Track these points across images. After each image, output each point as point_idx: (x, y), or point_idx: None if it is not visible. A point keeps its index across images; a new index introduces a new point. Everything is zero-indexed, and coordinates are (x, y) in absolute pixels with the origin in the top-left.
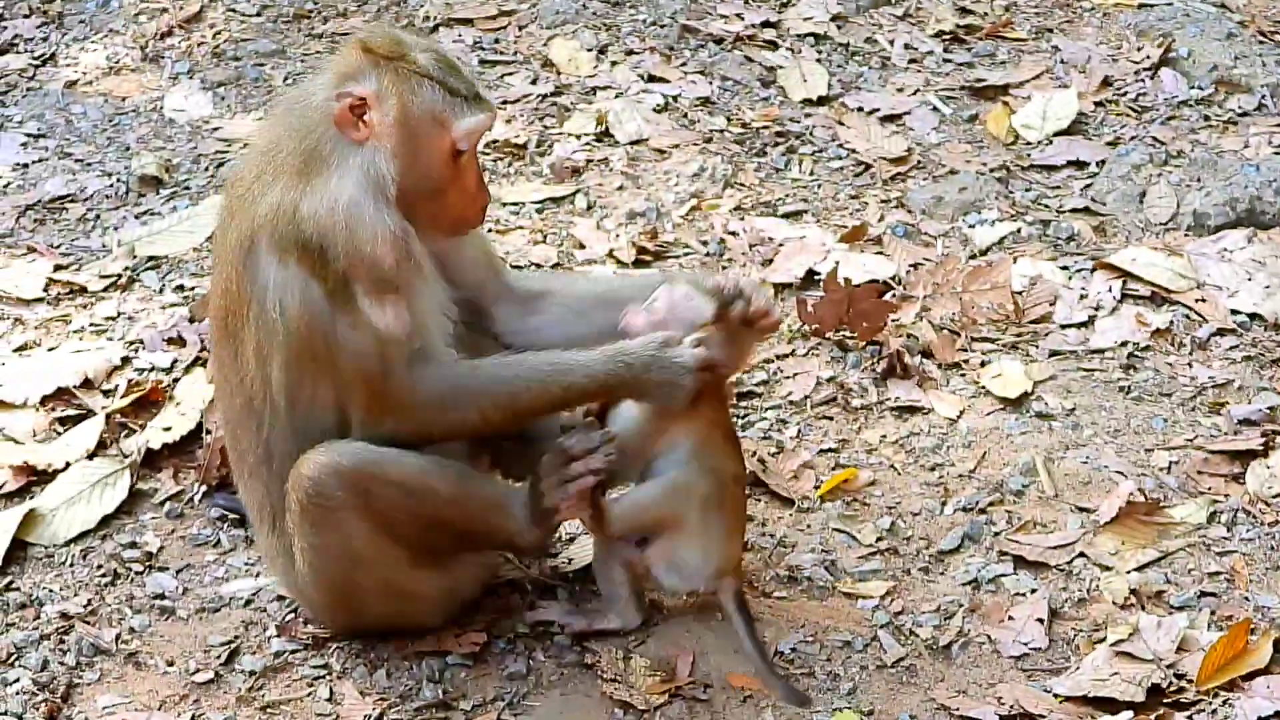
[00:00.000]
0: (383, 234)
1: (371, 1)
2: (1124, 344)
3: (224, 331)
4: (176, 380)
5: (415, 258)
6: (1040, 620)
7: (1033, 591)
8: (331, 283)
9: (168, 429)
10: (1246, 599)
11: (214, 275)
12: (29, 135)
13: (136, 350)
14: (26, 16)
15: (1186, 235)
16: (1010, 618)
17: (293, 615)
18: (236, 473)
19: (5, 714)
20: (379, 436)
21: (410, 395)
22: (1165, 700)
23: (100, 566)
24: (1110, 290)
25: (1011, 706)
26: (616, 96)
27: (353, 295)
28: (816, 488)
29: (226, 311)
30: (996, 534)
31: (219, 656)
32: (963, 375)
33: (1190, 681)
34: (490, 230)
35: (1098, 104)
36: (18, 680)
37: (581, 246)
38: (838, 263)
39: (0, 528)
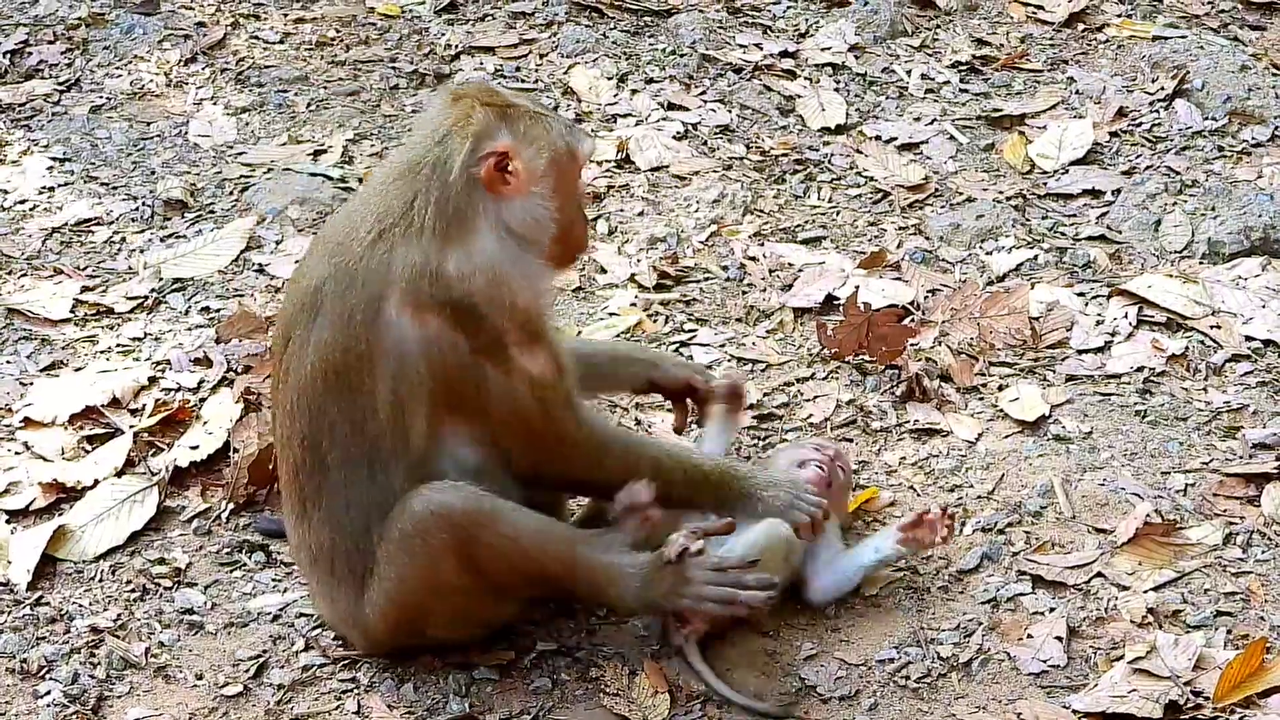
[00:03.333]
0: (534, 285)
1: (393, 30)
2: (1140, 369)
3: (338, 384)
4: (203, 400)
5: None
6: (1059, 638)
7: (1051, 610)
8: (482, 337)
9: (195, 448)
10: (1262, 618)
11: (306, 328)
12: (54, 159)
13: (163, 370)
14: (51, 43)
15: (1201, 263)
16: (1029, 635)
17: (320, 629)
18: (298, 510)
19: None
20: (527, 477)
21: (571, 433)
22: (1183, 717)
23: (129, 582)
24: (1126, 316)
25: None
26: (636, 124)
27: (505, 346)
28: None
29: (344, 367)
30: (1015, 554)
31: (247, 670)
32: (981, 399)
33: (1207, 699)
34: None
35: (1113, 134)
36: (49, 693)
37: (603, 271)
38: (857, 287)
39: (30, 544)
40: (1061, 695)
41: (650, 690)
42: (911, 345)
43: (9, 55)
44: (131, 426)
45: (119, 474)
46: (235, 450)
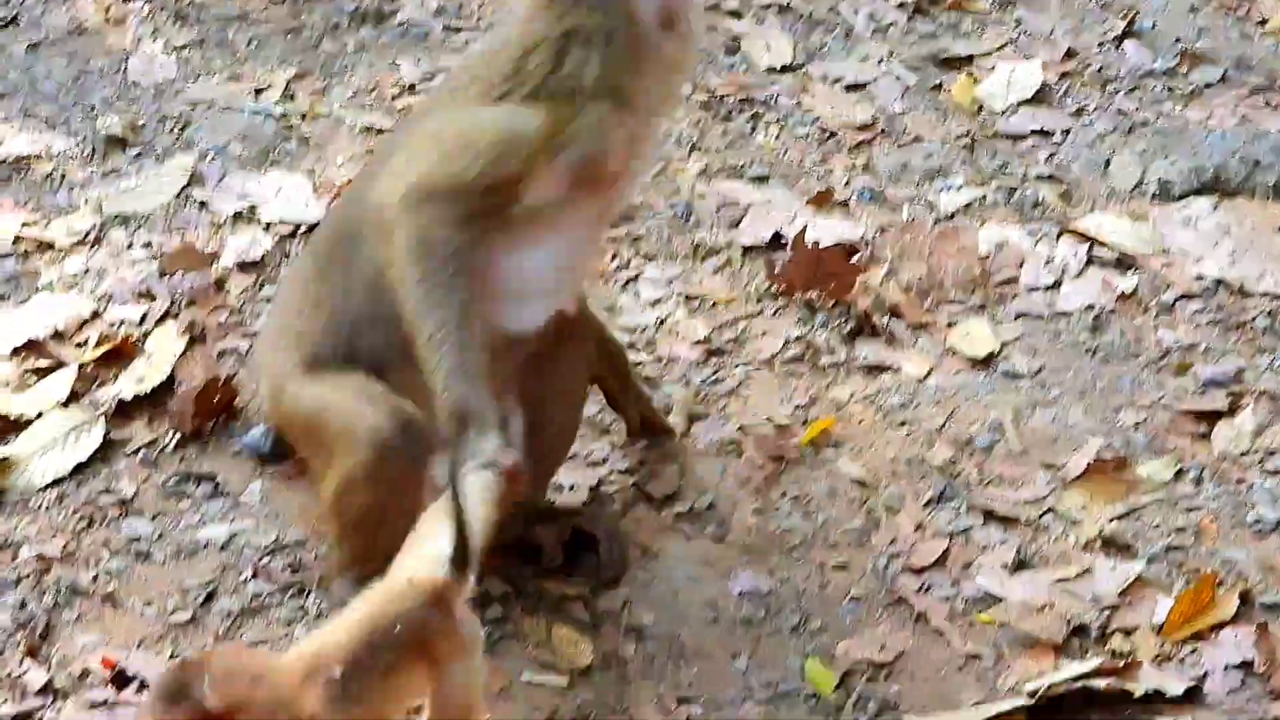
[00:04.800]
0: None
1: None
2: (1090, 307)
3: None
4: (147, 334)
5: None
6: (1004, 567)
7: (1002, 544)
8: None
9: (140, 380)
10: (1212, 553)
11: None
12: None
13: (106, 304)
14: None
15: (1152, 203)
16: (979, 565)
17: (269, 559)
18: None
19: None
20: None
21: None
22: (1087, 645)
23: (76, 511)
24: (1076, 255)
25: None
26: None
27: None
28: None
29: None
30: (967, 489)
31: (196, 598)
32: (930, 336)
33: (1128, 632)
34: None
35: (1062, 75)
36: None
37: None
38: (806, 225)
39: None
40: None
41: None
42: (860, 282)
43: None
44: (76, 359)
45: (64, 405)
46: (180, 383)
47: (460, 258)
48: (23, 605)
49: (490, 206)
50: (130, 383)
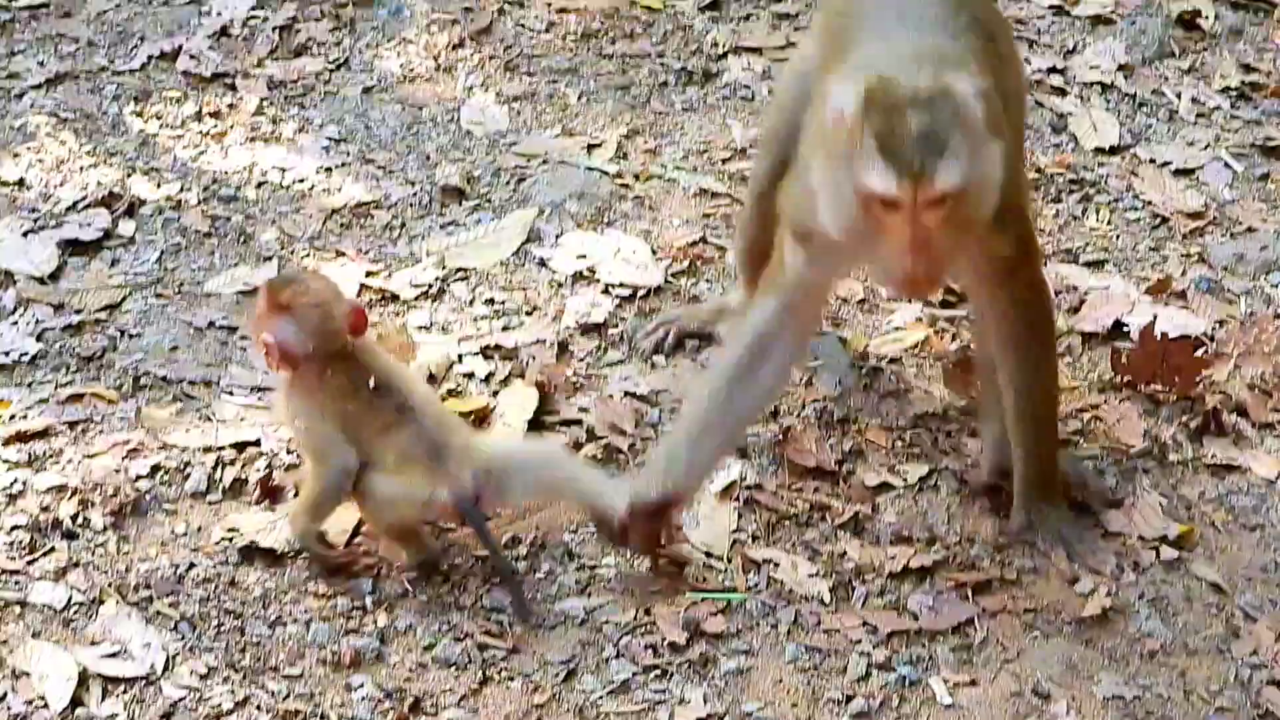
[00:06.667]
0: None
1: (657, 25)
2: None
3: None
4: (495, 393)
5: None
6: None
7: None
8: None
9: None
10: None
11: None
12: (330, 139)
13: (459, 359)
14: (319, 20)
15: None
16: None
17: (629, 636)
18: None
19: None
20: None
21: None
22: None
23: None
24: None
25: None
26: None
27: None
28: (1140, 536)
29: None
30: None
31: (557, 674)
32: (1277, 436)
33: None
34: None
35: None
36: (361, 685)
37: None
38: (1155, 316)
39: None
40: None
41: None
42: (1205, 377)
43: (278, 31)
44: None
45: None
46: None
47: None
48: (386, 684)
49: None
50: None
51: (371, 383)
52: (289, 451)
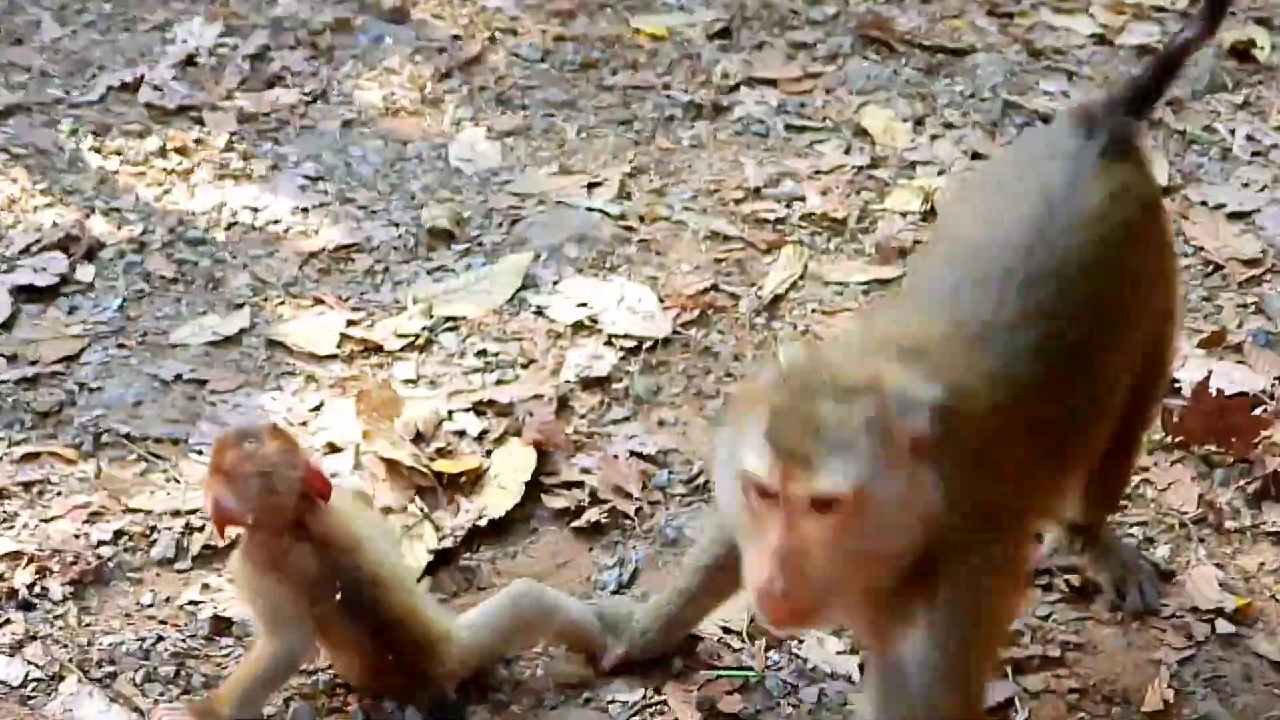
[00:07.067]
0: None
1: (662, 54)
2: None
3: None
4: (489, 452)
5: None
6: None
7: None
8: None
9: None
10: None
11: None
12: (306, 177)
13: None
14: (293, 48)
15: None
16: None
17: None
18: None
19: None
20: None
21: None
22: None
23: None
24: None
25: None
26: (940, 173)
27: None
28: (1194, 609)
29: None
30: None
31: None
32: None
33: None
34: (815, 310)
35: None
36: None
37: None
38: (1210, 372)
39: None
40: None
41: None
42: (1264, 438)
43: (249, 60)
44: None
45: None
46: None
47: None
48: None
49: None
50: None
51: (338, 594)
52: None
